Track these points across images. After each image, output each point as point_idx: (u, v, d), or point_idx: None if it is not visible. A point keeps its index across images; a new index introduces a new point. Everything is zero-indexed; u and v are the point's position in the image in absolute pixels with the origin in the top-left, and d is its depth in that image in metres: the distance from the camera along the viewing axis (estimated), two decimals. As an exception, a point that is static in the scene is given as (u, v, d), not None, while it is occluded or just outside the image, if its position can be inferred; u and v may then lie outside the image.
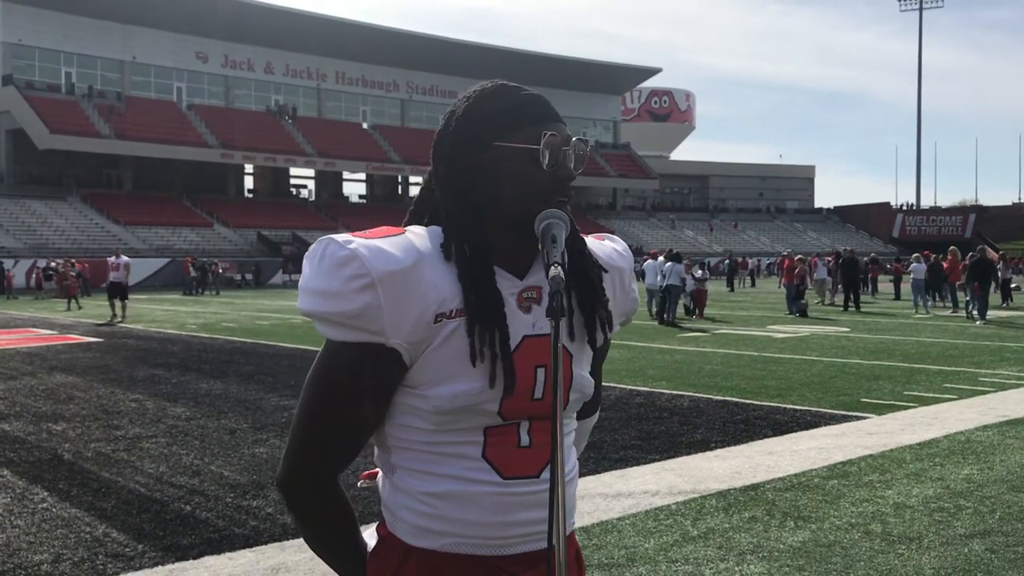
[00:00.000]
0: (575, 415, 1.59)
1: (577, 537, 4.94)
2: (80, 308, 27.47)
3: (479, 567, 1.44)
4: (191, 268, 39.18)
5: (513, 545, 1.45)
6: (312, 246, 1.42)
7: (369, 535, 1.55)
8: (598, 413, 1.81)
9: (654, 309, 20.80)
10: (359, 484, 1.67)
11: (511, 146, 1.43)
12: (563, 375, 1.45)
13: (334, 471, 1.46)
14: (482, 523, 1.42)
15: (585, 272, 1.50)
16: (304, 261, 1.42)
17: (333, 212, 62.77)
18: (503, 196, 1.43)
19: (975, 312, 20.41)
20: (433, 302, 1.37)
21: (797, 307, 22.21)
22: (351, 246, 1.36)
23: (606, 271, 1.55)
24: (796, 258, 25.00)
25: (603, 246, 1.62)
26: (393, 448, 1.47)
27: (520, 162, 1.43)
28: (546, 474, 1.45)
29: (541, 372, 1.44)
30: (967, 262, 21.66)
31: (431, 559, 1.44)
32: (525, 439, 1.45)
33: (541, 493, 1.43)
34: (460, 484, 1.42)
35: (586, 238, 1.58)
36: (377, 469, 1.59)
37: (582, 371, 1.52)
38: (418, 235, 1.43)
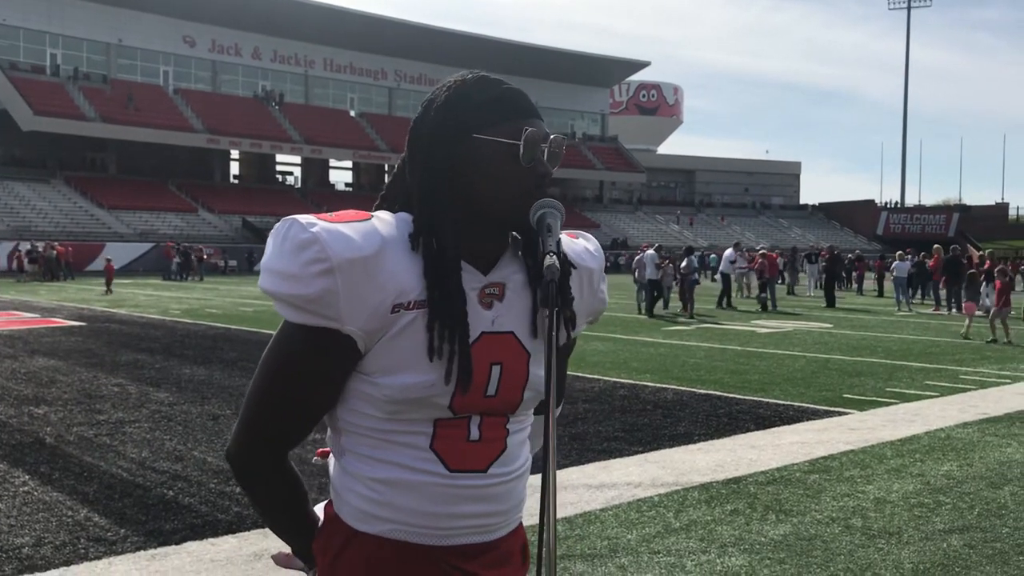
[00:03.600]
0: (530, 412, 1.58)
1: (560, 528, 4.96)
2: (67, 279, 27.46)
3: (420, 555, 1.45)
4: (174, 253, 38.98)
5: (455, 536, 1.46)
6: (277, 224, 1.41)
7: (318, 511, 1.56)
8: (561, 407, 1.82)
9: (643, 304, 20.74)
10: (313, 460, 1.69)
11: (490, 139, 1.42)
12: (518, 373, 1.46)
13: (282, 449, 1.47)
14: (425, 512, 1.43)
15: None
16: (268, 238, 1.42)
17: (319, 199, 62.49)
18: (478, 189, 1.42)
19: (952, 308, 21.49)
20: (392, 292, 1.36)
21: (759, 300, 23.33)
22: (313, 229, 1.35)
23: (574, 267, 1.54)
24: (758, 252, 25.29)
25: (575, 244, 1.61)
26: (343, 431, 1.48)
27: (498, 156, 1.41)
28: (494, 468, 1.47)
29: (496, 369, 1.44)
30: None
31: (373, 544, 1.45)
32: (475, 433, 1.45)
33: (487, 487, 1.45)
34: (406, 472, 1.43)
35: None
36: None
37: (538, 371, 1.50)
38: (384, 222, 1.42)
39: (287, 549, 1.61)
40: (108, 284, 27.83)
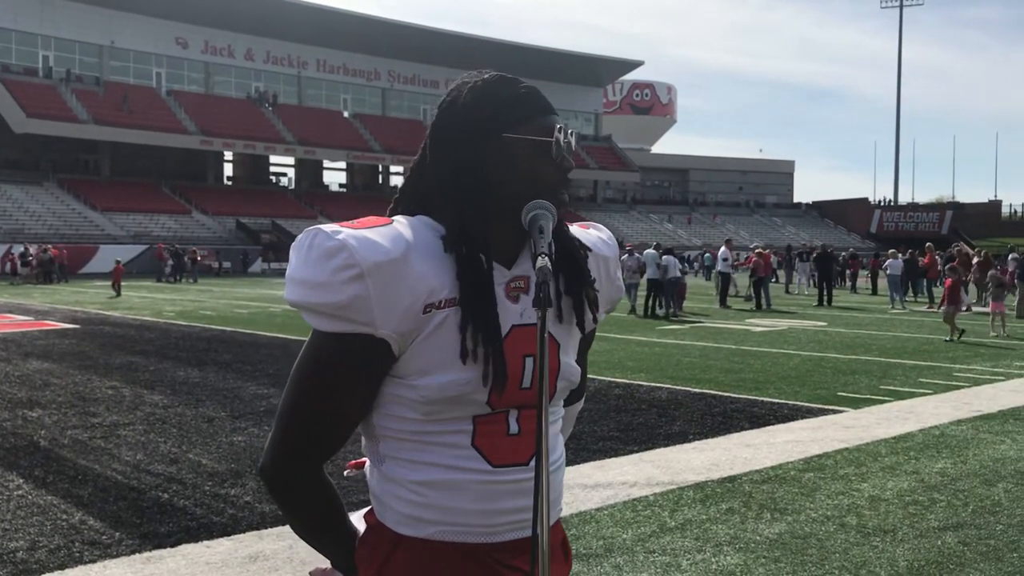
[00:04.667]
0: (562, 403, 1.59)
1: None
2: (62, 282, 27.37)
3: (467, 555, 1.44)
4: (166, 255, 38.86)
5: (501, 532, 1.45)
6: (299, 236, 1.41)
7: (356, 520, 1.55)
8: (583, 400, 1.82)
9: (648, 302, 20.63)
10: (345, 474, 1.67)
11: (524, 138, 1.43)
12: (550, 364, 1.46)
13: (319, 460, 1.46)
14: (471, 511, 1.43)
15: (571, 254, 1.51)
16: (291, 251, 1.41)
17: (313, 200, 62.43)
18: (510, 187, 1.43)
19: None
20: (422, 292, 1.37)
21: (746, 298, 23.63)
22: (339, 236, 1.35)
23: (590, 250, 1.56)
24: (753, 251, 25.33)
25: (588, 234, 1.63)
26: (381, 438, 1.47)
27: (530, 153, 1.43)
28: (534, 461, 1.46)
29: (529, 361, 1.44)
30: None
31: (420, 547, 1.44)
32: (514, 427, 1.46)
33: (530, 481, 1.43)
34: (449, 472, 1.42)
35: (571, 226, 1.58)
36: (363, 459, 1.59)
37: (569, 359, 1.52)
38: (405, 225, 1.42)
39: (325, 563, 1.58)
40: (117, 286, 27.61)
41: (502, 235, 1.45)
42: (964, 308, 17.42)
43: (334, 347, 1.39)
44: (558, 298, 1.50)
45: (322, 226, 1.39)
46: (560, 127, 1.44)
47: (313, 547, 1.57)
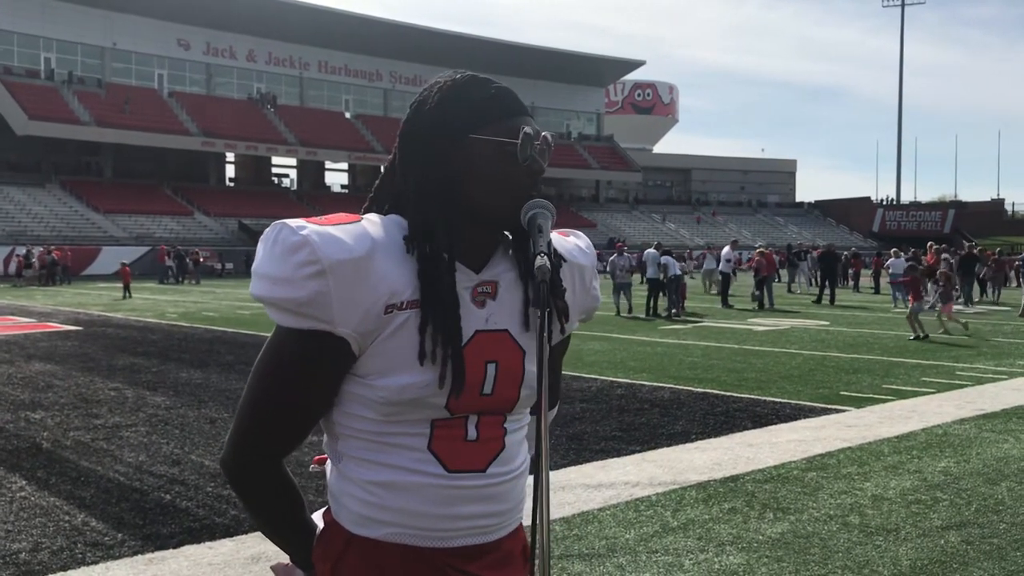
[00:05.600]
0: (527, 411, 1.56)
1: (558, 528, 4.95)
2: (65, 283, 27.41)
3: (420, 558, 1.44)
4: (167, 257, 38.88)
5: (455, 538, 1.45)
6: (267, 230, 1.40)
7: (317, 517, 1.55)
8: (557, 408, 1.80)
9: (649, 302, 20.54)
10: (311, 468, 1.67)
11: (488, 139, 1.41)
12: (514, 371, 1.45)
13: (278, 455, 1.46)
14: (425, 514, 1.42)
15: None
16: (259, 244, 1.41)
17: (315, 201, 62.44)
18: (476, 189, 1.41)
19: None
20: (384, 293, 1.36)
21: (756, 298, 23.34)
22: (303, 232, 1.35)
23: (565, 260, 1.54)
24: (756, 251, 25.34)
25: (565, 242, 1.60)
26: (340, 436, 1.47)
27: (496, 155, 1.41)
28: (492, 468, 1.46)
29: (492, 368, 1.43)
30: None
31: (372, 548, 1.44)
32: (472, 433, 1.44)
33: (486, 487, 1.44)
34: (404, 475, 1.42)
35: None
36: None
37: (533, 368, 1.49)
38: (374, 223, 1.41)
39: (286, 558, 1.59)
40: (127, 288, 27.66)
41: (472, 238, 1.44)
42: (927, 307, 17.51)
43: (294, 343, 1.38)
44: (525, 307, 1.48)
45: (288, 221, 1.39)
46: (527, 129, 1.41)
47: (272, 542, 1.56)
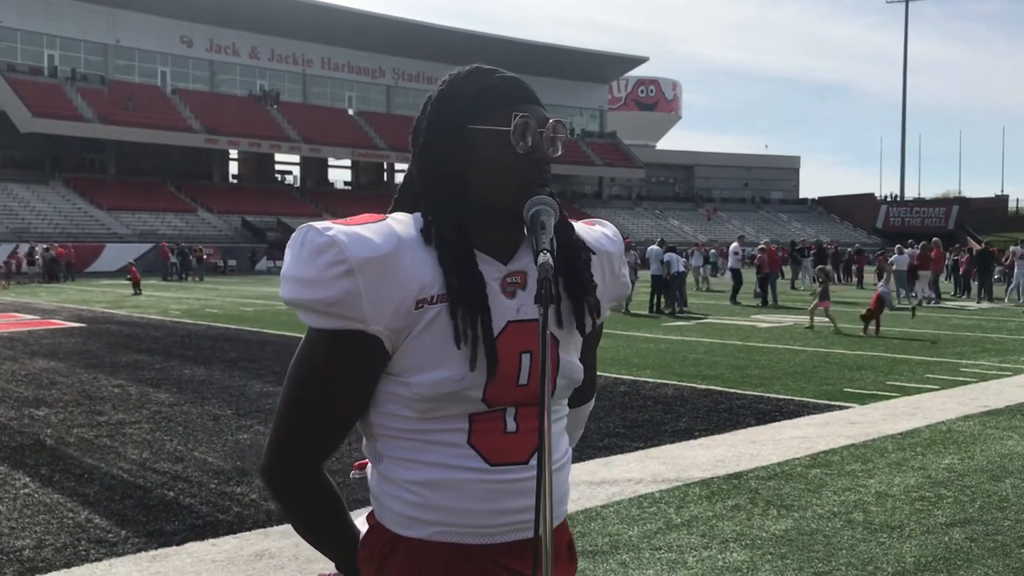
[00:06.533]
0: (566, 401, 1.56)
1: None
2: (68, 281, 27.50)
3: (467, 556, 1.42)
4: (170, 254, 38.94)
5: (502, 534, 1.43)
6: (294, 233, 1.40)
7: (360, 521, 1.54)
8: (594, 400, 1.80)
9: (652, 299, 20.49)
10: (352, 475, 1.66)
11: (483, 128, 1.41)
12: (551, 361, 1.44)
13: (317, 459, 1.44)
14: (469, 511, 1.41)
15: (572, 258, 1.48)
16: (286, 249, 1.41)
17: (318, 198, 62.47)
18: (477, 181, 1.41)
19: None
20: (414, 288, 1.36)
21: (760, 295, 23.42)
22: (330, 233, 1.35)
23: (594, 253, 1.54)
24: (758, 247, 25.33)
25: (592, 231, 1.60)
26: (379, 437, 1.46)
27: (493, 145, 1.40)
28: (535, 460, 1.43)
29: (526, 358, 1.42)
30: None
31: (418, 549, 1.42)
32: (512, 425, 1.43)
33: (530, 480, 1.40)
34: (446, 471, 1.40)
35: (575, 224, 1.56)
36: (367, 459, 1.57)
37: (570, 357, 1.49)
38: (400, 221, 1.42)
39: (331, 567, 1.57)
40: (136, 286, 27.80)
41: (492, 230, 1.44)
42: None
43: (327, 344, 1.38)
44: (557, 301, 1.47)
45: (314, 223, 1.39)
46: (521, 115, 1.39)
47: (315, 548, 1.55)
